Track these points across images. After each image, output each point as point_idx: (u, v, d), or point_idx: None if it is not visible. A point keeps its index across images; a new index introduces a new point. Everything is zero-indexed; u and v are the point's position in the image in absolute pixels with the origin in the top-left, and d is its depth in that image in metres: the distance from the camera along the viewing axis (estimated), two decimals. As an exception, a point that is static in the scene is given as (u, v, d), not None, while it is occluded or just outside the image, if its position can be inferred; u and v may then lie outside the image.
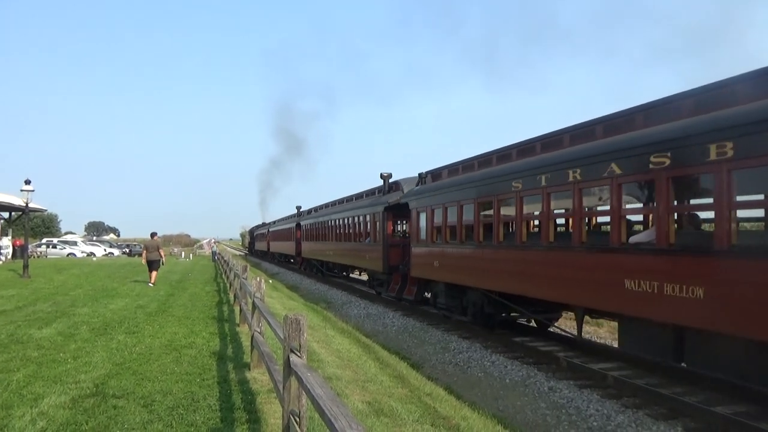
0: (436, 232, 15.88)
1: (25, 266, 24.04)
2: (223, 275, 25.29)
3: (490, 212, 12.73)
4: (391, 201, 20.16)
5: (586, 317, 10.80)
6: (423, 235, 16.81)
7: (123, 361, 8.21)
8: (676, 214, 8.89)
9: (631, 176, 8.72)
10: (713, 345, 7.53)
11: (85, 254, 56.30)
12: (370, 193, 24.13)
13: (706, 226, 9.43)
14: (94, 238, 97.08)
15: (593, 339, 14.35)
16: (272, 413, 5.91)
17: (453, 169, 15.95)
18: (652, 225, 9.64)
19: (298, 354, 4.09)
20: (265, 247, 58.65)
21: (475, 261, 13.56)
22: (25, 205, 25.72)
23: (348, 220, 25.97)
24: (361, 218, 23.80)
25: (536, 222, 11.95)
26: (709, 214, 8.27)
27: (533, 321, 14.69)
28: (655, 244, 8.14)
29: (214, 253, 48.70)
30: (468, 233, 13.97)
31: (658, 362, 9.52)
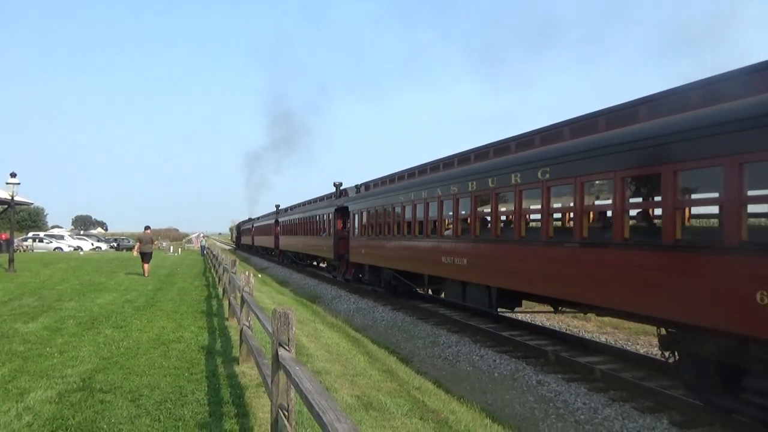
0: (363, 228, 21.66)
1: (11, 260, 23.78)
2: (212, 270, 25.18)
3: (391, 216, 18.69)
4: (339, 204, 25.84)
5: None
6: (356, 230, 22.68)
7: (110, 355, 8.16)
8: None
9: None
10: (471, 288, 13.60)
11: (72, 248, 55.76)
12: (328, 197, 30.00)
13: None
14: (82, 232, 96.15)
15: (581, 334, 14.44)
16: (261, 407, 5.90)
17: (374, 183, 23.03)
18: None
19: (287, 348, 4.07)
20: (250, 241, 64.04)
21: (384, 249, 19.32)
22: (10, 198, 25.37)
23: (311, 218, 31.23)
24: (319, 217, 29.39)
25: (419, 223, 16.41)
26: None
27: (430, 291, 19.33)
28: (452, 236, 14.18)
29: (202, 248, 48.48)
30: (380, 230, 19.56)
31: (645, 356, 9.67)
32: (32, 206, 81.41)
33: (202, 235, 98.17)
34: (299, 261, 37.43)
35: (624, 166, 8.33)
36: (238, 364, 7.80)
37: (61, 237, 62.45)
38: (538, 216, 10.89)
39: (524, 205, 11.13)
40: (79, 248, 55.96)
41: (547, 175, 10.18)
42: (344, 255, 24.54)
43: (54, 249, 53.76)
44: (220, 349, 8.85)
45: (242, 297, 8.20)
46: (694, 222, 9.62)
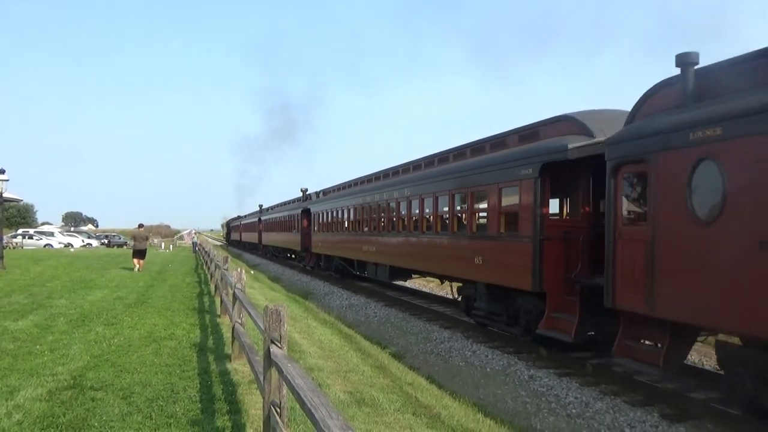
0: (320, 226, 28.24)
1: (0, 257, 23.56)
2: (204, 266, 25.09)
3: (336, 216, 25.37)
4: (304, 207, 32.10)
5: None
6: (316, 228, 29.25)
7: (101, 353, 8.11)
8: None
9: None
10: (379, 267, 19.60)
11: (62, 245, 55.41)
12: (298, 200, 36.12)
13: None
14: (72, 228, 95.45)
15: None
16: (253, 404, 5.89)
17: (327, 191, 29.76)
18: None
19: (279, 345, 4.07)
20: (238, 237, 70.59)
21: (333, 242, 26.05)
22: (-1, 195, 25.09)
23: (285, 218, 37.86)
24: (290, 217, 35.80)
25: (351, 222, 23.10)
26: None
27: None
28: (367, 232, 20.77)
29: (194, 244, 48.29)
30: (330, 227, 26.37)
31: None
32: (21, 203, 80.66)
33: (194, 231, 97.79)
34: (278, 254, 43.48)
35: (453, 187, 13.83)
36: (230, 361, 7.78)
37: (51, 234, 62.00)
38: (405, 218, 17.11)
39: (401, 211, 17.38)
40: (69, 245, 55.61)
41: (409, 192, 16.75)
42: (308, 248, 31.02)
43: (44, 246, 53.40)
44: (212, 346, 8.82)
45: (234, 294, 8.17)
46: (480, 222, 13.18)
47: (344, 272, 25.28)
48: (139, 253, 24.03)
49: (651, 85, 8.40)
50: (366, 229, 20.72)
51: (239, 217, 73.81)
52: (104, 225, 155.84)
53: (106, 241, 66.41)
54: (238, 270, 8.64)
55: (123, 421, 5.32)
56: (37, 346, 8.40)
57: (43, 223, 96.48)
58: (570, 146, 9.77)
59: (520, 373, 9.91)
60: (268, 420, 4.27)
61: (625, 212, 8.47)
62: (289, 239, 35.85)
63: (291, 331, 11.00)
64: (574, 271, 9.95)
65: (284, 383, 3.77)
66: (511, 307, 11.78)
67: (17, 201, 52.62)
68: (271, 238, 44.03)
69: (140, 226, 26.08)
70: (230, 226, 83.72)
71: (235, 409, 5.74)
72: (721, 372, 7.98)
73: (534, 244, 10.40)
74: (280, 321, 4.13)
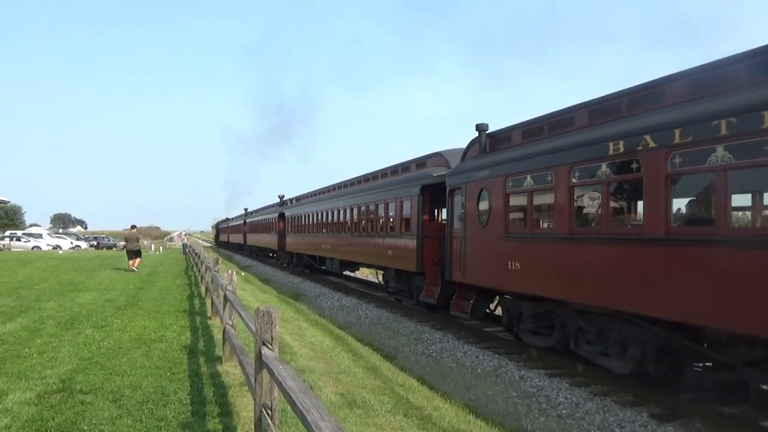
0: (292, 228, 32.84)
1: (-12, 260, 23.31)
2: (195, 268, 24.96)
3: (304, 220, 29.54)
4: (280, 211, 36.47)
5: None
6: (289, 229, 33.65)
7: (91, 355, 8.05)
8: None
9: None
10: (333, 261, 24.72)
11: (50, 247, 54.89)
12: (276, 204, 40.45)
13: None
14: (61, 230, 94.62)
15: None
16: (244, 406, 5.87)
17: (299, 198, 35.29)
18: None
19: (270, 347, 4.06)
20: (226, 238, 74.02)
21: (302, 242, 30.38)
22: (-14, 196, 24.84)
23: (265, 221, 42.45)
24: (269, 220, 40.20)
25: (313, 224, 27.79)
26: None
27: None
28: (325, 233, 25.60)
29: (185, 246, 48.03)
30: (300, 229, 30.78)
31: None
32: (9, 204, 79.82)
33: (184, 233, 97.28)
34: (260, 253, 47.57)
35: (375, 200, 18.77)
36: (221, 363, 7.75)
37: (40, 236, 61.40)
38: (347, 222, 22.02)
39: (345, 217, 22.39)
40: (57, 247, 55.11)
41: (350, 202, 21.72)
42: (284, 247, 35.30)
43: (32, 248, 52.85)
44: (202, 349, 8.78)
45: (225, 295, 8.14)
46: (390, 224, 17.55)
47: (312, 267, 29.76)
48: (133, 254, 24.92)
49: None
50: (324, 231, 25.61)
51: (227, 220, 77.97)
52: (93, 227, 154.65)
53: (95, 243, 65.89)
54: (229, 272, 8.61)
55: (113, 424, 5.29)
56: (26, 349, 8.33)
57: (31, 225, 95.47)
58: (434, 175, 14.90)
59: (511, 373, 9.95)
60: (259, 422, 4.26)
61: (455, 220, 13.25)
62: (269, 240, 40.47)
63: (282, 332, 10.97)
64: (438, 257, 14.59)
65: (275, 385, 3.76)
66: (410, 284, 16.57)
67: (5, 203, 52.13)
68: (254, 239, 48.67)
69: (133, 227, 26.94)
70: (219, 228, 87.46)
71: (226, 411, 5.72)
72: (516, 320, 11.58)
73: (417, 240, 15.15)
74: (272, 323, 4.13)
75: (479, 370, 10.47)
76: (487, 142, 12.36)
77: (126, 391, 6.29)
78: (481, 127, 12.54)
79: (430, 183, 14.91)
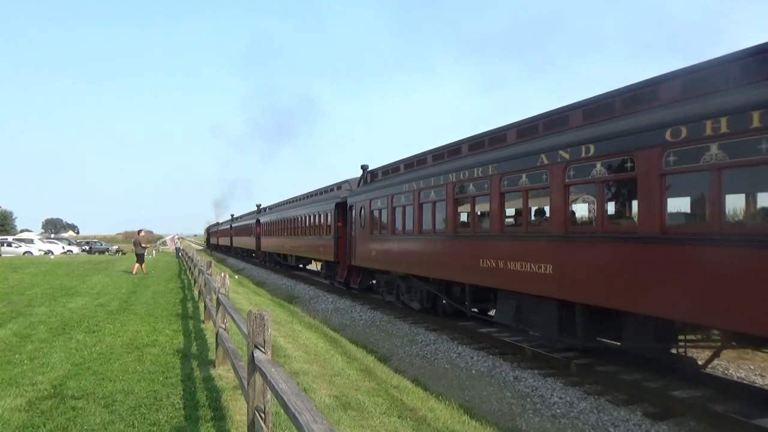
0: (267, 230, 38.74)
1: (-22, 265, 23.12)
2: (188, 272, 24.87)
3: (272, 225, 36.72)
4: (257, 217, 43.08)
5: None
6: (263, 232, 40.12)
7: (82, 361, 7.99)
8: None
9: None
10: (290, 257, 32.57)
11: (42, 252, 54.47)
12: (255, 212, 47.59)
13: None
14: (52, 235, 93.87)
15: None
16: (238, 410, 5.84)
17: (271, 206, 41.79)
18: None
19: (263, 350, 4.04)
20: (216, 241, 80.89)
21: (271, 243, 36.68)
22: (-24, 202, 24.64)
23: (246, 225, 49.62)
24: (249, 224, 46.50)
25: (280, 229, 33.56)
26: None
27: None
28: (283, 236, 33.83)
29: (177, 250, 47.80)
30: (272, 232, 36.47)
31: (618, 349, 9.88)
32: (0, 210, 79.19)
33: (177, 236, 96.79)
34: (245, 254, 53.39)
35: (312, 211, 26.16)
36: (215, 366, 7.71)
37: (31, 241, 60.84)
38: (297, 226, 28.82)
39: (295, 222, 28.97)
40: (49, 252, 54.69)
41: (298, 212, 28.81)
42: (260, 248, 41.75)
43: (23, 253, 52.43)
44: (196, 352, 8.73)
45: (218, 299, 8.11)
46: (321, 228, 24.55)
47: (279, 264, 36.23)
48: (136, 257, 26.42)
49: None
50: (285, 234, 32.06)
51: (218, 224, 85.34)
52: (86, 231, 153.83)
53: (87, 248, 65.44)
54: (222, 275, 8.57)
55: (105, 430, 5.25)
56: (17, 355, 8.26)
57: (22, 231, 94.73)
58: (341, 196, 22.12)
59: (505, 374, 9.95)
60: (252, 426, 4.24)
61: (351, 225, 19.93)
62: (249, 242, 47.34)
63: (276, 335, 10.93)
64: (345, 251, 20.74)
65: (268, 388, 3.75)
66: (334, 270, 23.14)
67: (-5, 208, 51.54)
68: (238, 241, 56.32)
69: (139, 232, 29.16)
70: (210, 232, 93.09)
71: (219, 415, 5.69)
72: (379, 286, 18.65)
73: (334, 240, 22.12)
74: (264, 325, 4.11)
75: (474, 371, 10.47)
76: (367, 176, 20.04)
77: (118, 396, 6.25)
78: (363, 167, 20.41)
79: (340, 201, 21.75)
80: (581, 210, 9.90)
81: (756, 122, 6.09)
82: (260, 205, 46.30)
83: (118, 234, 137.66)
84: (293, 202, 33.38)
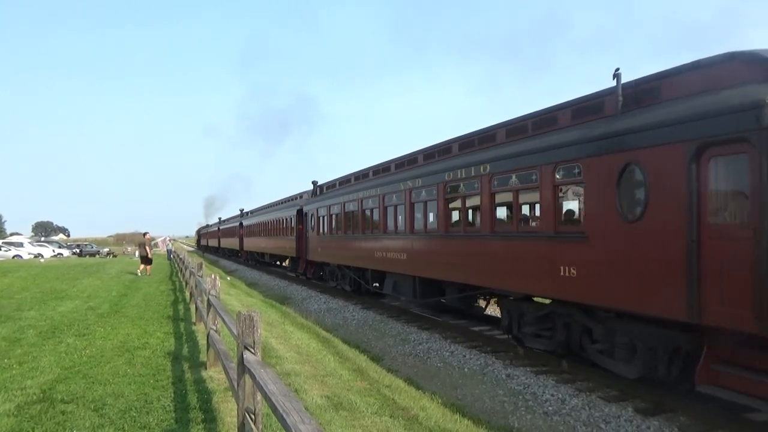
0: (247, 233, 44.26)
1: (-33, 270, 22.90)
2: (179, 273, 24.75)
3: (252, 227, 42.66)
4: (240, 220, 48.58)
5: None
6: (245, 233, 45.22)
7: (72, 364, 7.93)
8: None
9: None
10: (266, 255, 39.16)
11: (32, 256, 54.07)
12: (239, 215, 52.21)
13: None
14: (42, 238, 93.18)
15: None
16: (229, 412, 5.82)
17: (252, 211, 46.69)
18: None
19: (252, 351, 4.03)
20: (206, 242, 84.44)
21: (252, 243, 42.22)
22: (-36, 205, 24.39)
23: (231, 227, 54.72)
24: (234, 227, 52.27)
25: (258, 230, 39.54)
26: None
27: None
28: (260, 236, 39.81)
29: (169, 252, 47.56)
30: (251, 233, 42.51)
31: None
32: (-11, 213, 78.45)
33: (168, 238, 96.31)
34: (232, 254, 57.40)
35: (279, 216, 31.82)
36: (206, 368, 7.68)
37: (21, 244, 60.40)
38: (269, 228, 34.79)
39: (268, 225, 34.93)
40: (39, 255, 54.29)
41: (273, 215, 33.68)
42: (243, 248, 46.79)
43: (12, 257, 51.98)
44: (186, 355, 8.69)
45: (209, 300, 8.07)
46: (284, 230, 30.41)
47: (258, 261, 41.99)
48: (142, 260, 27.23)
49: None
50: (261, 235, 37.44)
51: (207, 226, 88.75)
52: (76, 234, 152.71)
53: (78, 251, 65.01)
54: (212, 276, 8.54)
55: (94, 433, 5.21)
56: (5, 360, 8.18)
57: (11, 234, 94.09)
58: (300, 204, 27.00)
59: (498, 372, 9.98)
60: (242, 427, 4.23)
61: (306, 227, 25.64)
62: (234, 242, 52.13)
63: (268, 336, 10.90)
64: (303, 248, 25.81)
65: (258, 389, 3.73)
66: (297, 264, 27.88)
67: (-16, 211, 51.05)
68: (225, 242, 61.10)
69: (144, 234, 29.60)
70: (200, 234, 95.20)
71: (210, 417, 5.67)
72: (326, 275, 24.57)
73: (296, 239, 26.77)
74: (254, 326, 4.10)
75: (466, 369, 10.50)
76: (317, 189, 25.31)
77: (108, 400, 6.20)
78: (314, 182, 25.68)
79: (299, 208, 26.77)
80: (420, 217, 14.67)
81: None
82: (243, 209, 52.21)
83: (109, 237, 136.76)
84: (268, 208, 39.19)
